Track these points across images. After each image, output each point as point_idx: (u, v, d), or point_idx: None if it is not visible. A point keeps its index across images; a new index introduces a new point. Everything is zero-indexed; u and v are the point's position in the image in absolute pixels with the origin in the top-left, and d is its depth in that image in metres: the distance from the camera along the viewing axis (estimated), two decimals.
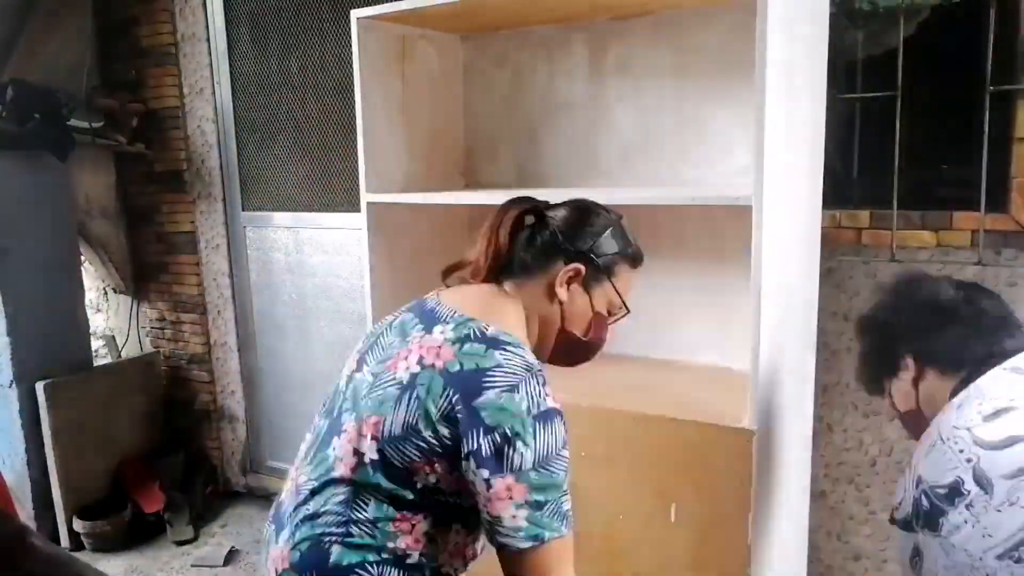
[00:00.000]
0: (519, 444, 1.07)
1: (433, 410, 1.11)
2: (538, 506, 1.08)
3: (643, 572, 1.80)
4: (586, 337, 1.30)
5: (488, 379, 1.10)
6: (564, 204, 1.35)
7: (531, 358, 1.16)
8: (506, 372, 1.11)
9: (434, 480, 1.14)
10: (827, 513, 2.31)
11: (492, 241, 1.28)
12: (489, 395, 1.09)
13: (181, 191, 3.46)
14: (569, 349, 1.31)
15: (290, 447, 3.42)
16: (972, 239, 2.02)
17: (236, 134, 3.35)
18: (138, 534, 3.19)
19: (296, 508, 1.21)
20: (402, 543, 1.15)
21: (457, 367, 1.12)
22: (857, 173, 2.26)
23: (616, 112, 2.16)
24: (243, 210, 3.39)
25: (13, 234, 3.03)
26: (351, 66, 2.07)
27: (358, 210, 2.13)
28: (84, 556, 3.08)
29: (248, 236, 3.40)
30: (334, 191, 3.13)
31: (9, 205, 3.02)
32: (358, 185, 2.11)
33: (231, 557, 3.04)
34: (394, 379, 1.16)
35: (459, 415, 1.10)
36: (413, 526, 1.16)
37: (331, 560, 1.14)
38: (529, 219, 1.31)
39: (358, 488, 1.16)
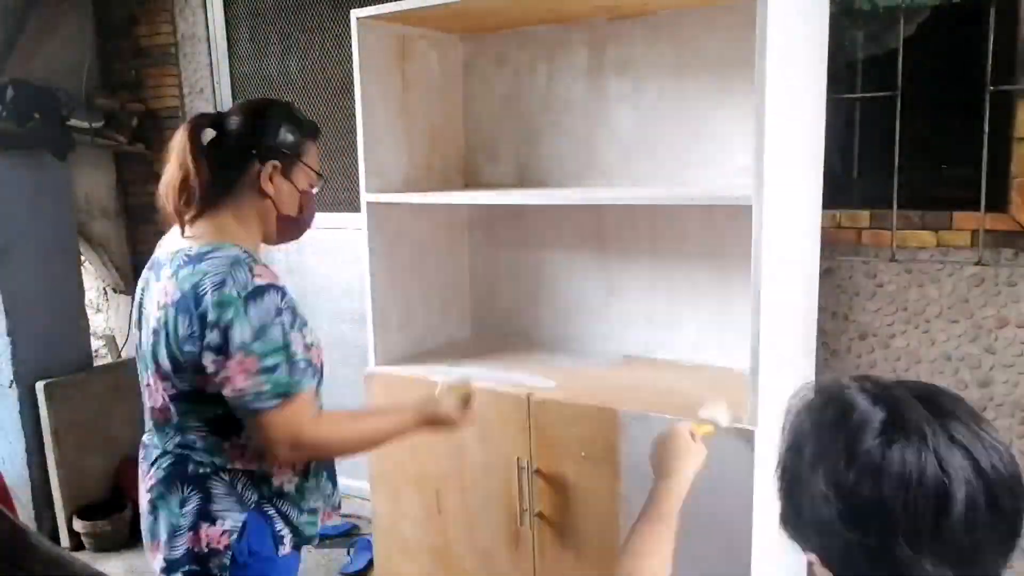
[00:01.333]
0: (235, 325, 1.27)
1: (180, 333, 1.31)
2: (272, 370, 1.29)
3: None
4: (301, 215, 1.50)
5: (201, 288, 1.29)
6: (235, 109, 1.49)
7: (234, 252, 1.34)
8: (213, 275, 1.30)
9: (214, 388, 1.32)
10: None
11: (194, 164, 1.37)
12: (206, 299, 1.28)
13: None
14: (290, 227, 1.50)
15: None
16: (972, 239, 2.02)
17: None
18: (138, 534, 3.17)
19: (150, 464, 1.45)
20: (235, 463, 1.39)
21: (178, 294, 1.32)
22: (857, 173, 2.26)
23: (616, 112, 2.16)
24: None
25: (13, 234, 3.03)
26: (351, 66, 2.07)
27: (358, 210, 2.13)
28: (84, 556, 3.08)
29: None
30: (334, 191, 3.13)
31: (9, 205, 3.02)
32: (358, 185, 2.11)
33: None
34: (152, 329, 1.36)
35: (195, 329, 1.29)
36: (243, 448, 1.38)
37: (189, 471, 1.39)
38: (208, 134, 1.42)
39: (185, 425, 1.38)
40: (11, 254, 3.03)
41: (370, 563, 2.70)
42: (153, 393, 1.41)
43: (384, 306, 2.19)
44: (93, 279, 3.79)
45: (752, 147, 1.54)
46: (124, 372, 3.44)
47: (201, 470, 1.39)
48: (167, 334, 1.32)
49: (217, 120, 1.45)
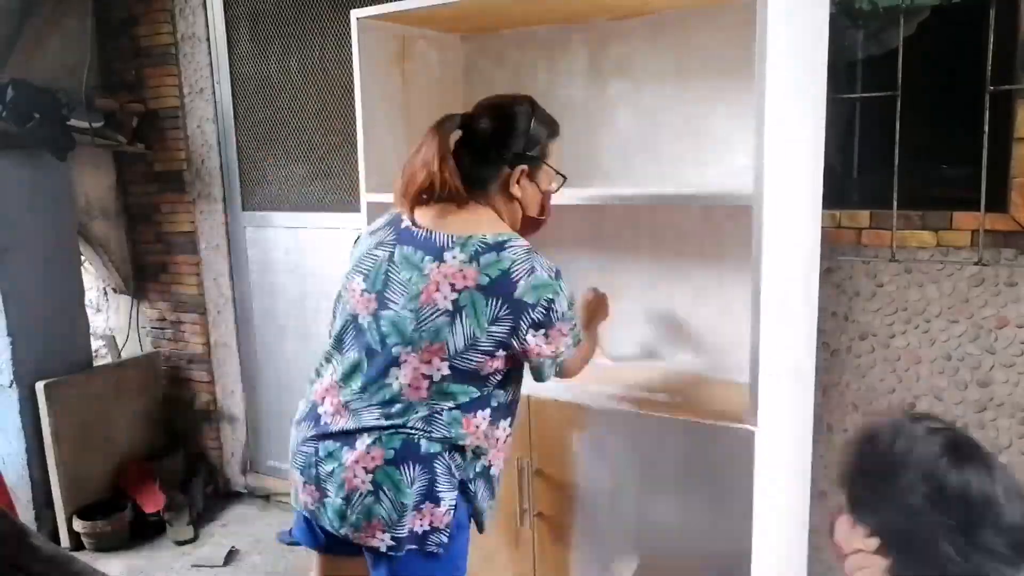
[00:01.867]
0: (556, 301, 1.43)
1: (484, 320, 1.40)
2: (575, 326, 1.51)
3: (644, 571, 1.80)
4: (543, 216, 1.60)
5: (513, 274, 1.41)
6: (483, 109, 1.55)
7: (524, 242, 1.46)
8: (521, 261, 1.42)
9: (493, 369, 1.45)
10: (827, 513, 2.31)
11: (447, 160, 1.46)
12: (521, 285, 1.41)
13: (181, 191, 3.46)
14: (534, 226, 1.61)
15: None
16: (972, 239, 2.02)
17: (236, 134, 3.35)
18: (138, 534, 3.19)
19: (362, 429, 1.45)
20: (468, 440, 1.46)
21: (486, 280, 1.41)
22: (857, 173, 2.26)
23: (616, 112, 2.16)
24: (243, 210, 3.39)
25: (13, 234, 3.03)
26: (351, 66, 2.07)
27: (358, 210, 2.13)
28: (84, 556, 3.08)
29: (248, 236, 3.40)
30: (334, 191, 3.13)
31: (9, 205, 3.02)
32: (358, 185, 2.11)
33: (231, 557, 3.04)
34: (438, 310, 1.42)
35: (507, 312, 1.40)
36: (476, 427, 1.47)
37: (421, 451, 1.43)
38: (457, 134, 1.52)
39: (433, 403, 1.44)
40: (11, 254, 3.03)
41: None
42: (403, 368, 1.44)
43: None
44: (93, 279, 3.79)
45: (752, 147, 1.54)
46: (124, 372, 3.45)
47: (432, 448, 1.44)
48: (470, 315, 1.40)
49: (465, 121, 1.53)
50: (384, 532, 1.43)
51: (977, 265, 2.02)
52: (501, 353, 1.43)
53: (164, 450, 3.52)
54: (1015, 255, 1.99)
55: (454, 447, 1.45)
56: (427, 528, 1.44)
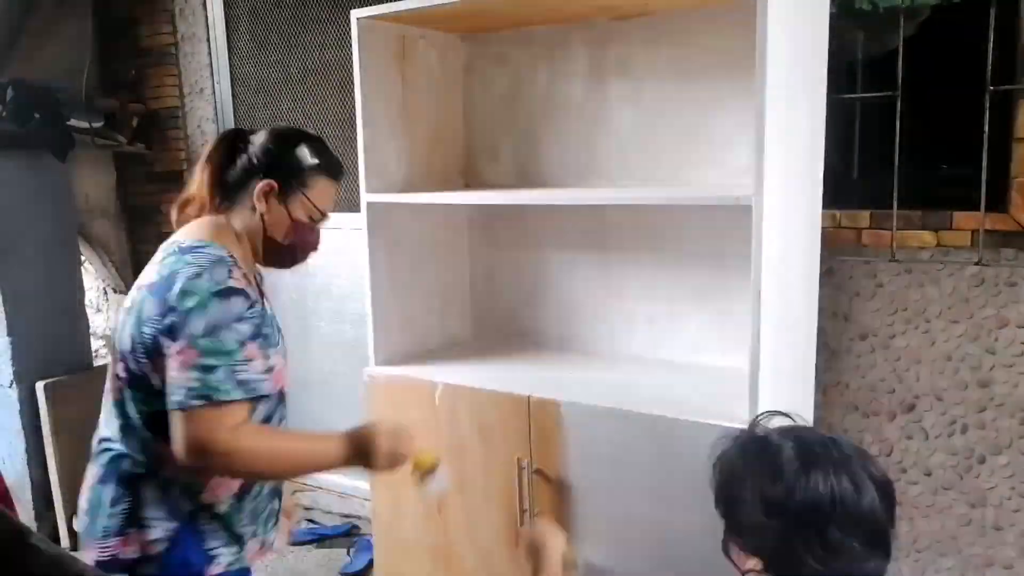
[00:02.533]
0: (193, 315, 1.27)
1: (143, 317, 1.32)
2: (209, 370, 1.27)
3: (645, 571, 1.80)
4: (287, 241, 1.50)
5: (179, 276, 1.31)
6: (266, 129, 1.53)
7: (221, 252, 1.36)
8: (194, 265, 1.32)
9: (159, 380, 1.31)
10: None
11: (208, 169, 1.48)
12: (176, 286, 1.30)
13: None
14: (276, 251, 1.51)
15: None
16: (972, 239, 2.02)
17: None
18: None
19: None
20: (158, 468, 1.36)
21: (156, 278, 1.34)
22: (857, 173, 2.26)
23: (616, 112, 2.16)
24: None
25: (13, 234, 3.03)
26: (351, 66, 2.07)
27: (358, 210, 2.13)
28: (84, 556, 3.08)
29: None
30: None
31: (9, 205, 3.02)
32: (358, 185, 2.11)
33: None
34: (125, 308, 1.39)
35: (160, 311, 1.30)
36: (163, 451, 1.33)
37: (121, 468, 1.41)
38: (239, 144, 1.49)
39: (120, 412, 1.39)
40: (11, 254, 3.03)
41: (370, 563, 2.70)
42: (111, 370, 1.42)
43: (384, 306, 2.19)
44: (93, 279, 3.79)
45: (752, 147, 1.54)
46: None
47: (136, 470, 1.38)
48: (136, 314, 1.34)
49: (245, 134, 1.51)
50: None
51: (977, 265, 2.02)
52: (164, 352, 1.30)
53: None
54: (1015, 255, 1.99)
55: (156, 473, 1.38)
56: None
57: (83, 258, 3.49)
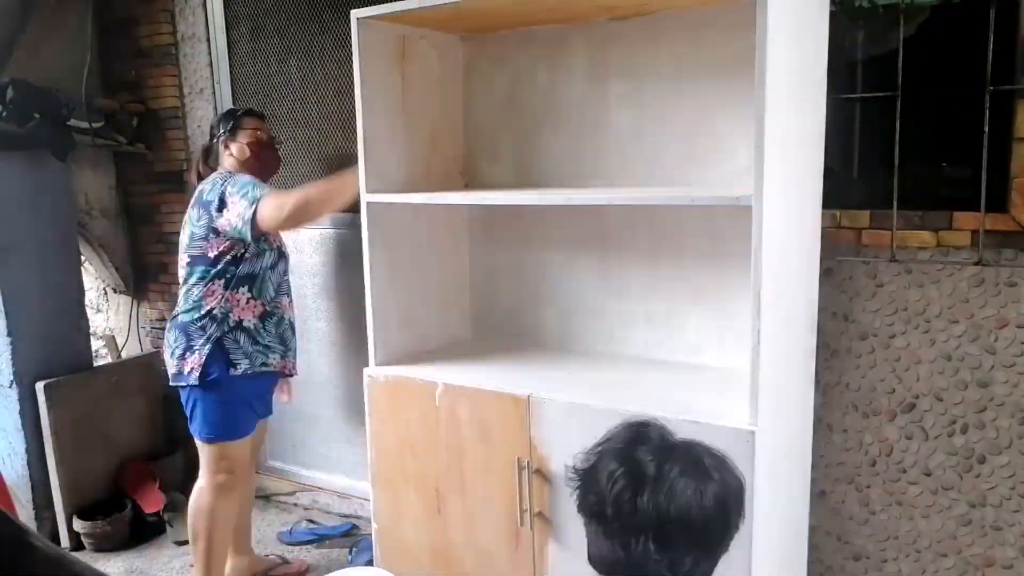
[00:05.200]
0: (229, 187, 2.36)
1: (193, 218, 2.45)
2: (251, 189, 2.33)
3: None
4: (255, 156, 2.56)
5: (212, 187, 2.41)
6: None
7: (223, 173, 2.48)
8: (219, 181, 2.41)
9: (218, 251, 2.40)
10: (827, 513, 2.31)
11: (202, 154, 2.70)
12: (206, 195, 2.41)
13: (181, 191, 3.46)
14: (254, 168, 2.54)
15: (290, 447, 3.42)
16: (972, 239, 2.02)
17: None
18: (138, 534, 3.19)
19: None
20: (207, 304, 2.41)
21: (194, 199, 2.49)
22: (857, 173, 2.26)
23: (616, 112, 2.16)
24: None
25: (13, 234, 3.03)
26: (351, 66, 2.07)
27: (358, 210, 2.13)
28: (84, 556, 3.08)
29: None
30: None
31: (9, 205, 3.02)
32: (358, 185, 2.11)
33: None
34: (184, 221, 2.53)
35: (202, 210, 2.41)
36: (214, 292, 2.41)
37: (178, 321, 2.47)
38: (212, 134, 2.64)
39: (184, 285, 2.47)
40: (11, 254, 3.03)
41: (370, 563, 2.70)
42: (181, 269, 2.49)
43: (384, 306, 2.19)
44: (93, 279, 3.79)
45: (752, 147, 1.54)
46: (124, 372, 3.45)
47: (185, 318, 2.43)
48: (191, 218, 2.45)
49: (210, 130, 2.69)
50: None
51: (977, 265, 2.02)
52: (212, 238, 2.38)
53: (164, 450, 3.52)
54: (1015, 255, 1.99)
55: (204, 314, 2.40)
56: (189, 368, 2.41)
57: (83, 258, 3.49)
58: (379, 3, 2.01)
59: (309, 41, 3.07)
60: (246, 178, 2.36)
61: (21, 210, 3.05)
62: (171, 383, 2.45)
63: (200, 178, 2.55)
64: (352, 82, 2.08)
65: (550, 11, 2.06)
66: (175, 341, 2.43)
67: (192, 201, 2.46)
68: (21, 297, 3.06)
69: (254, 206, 2.25)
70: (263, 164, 2.56)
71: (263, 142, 2.56)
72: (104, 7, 3.46)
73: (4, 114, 2.95)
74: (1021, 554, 2.08)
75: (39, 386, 3.06)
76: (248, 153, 2.52)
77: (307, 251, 3.22)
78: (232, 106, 2.70)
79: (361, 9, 2.03)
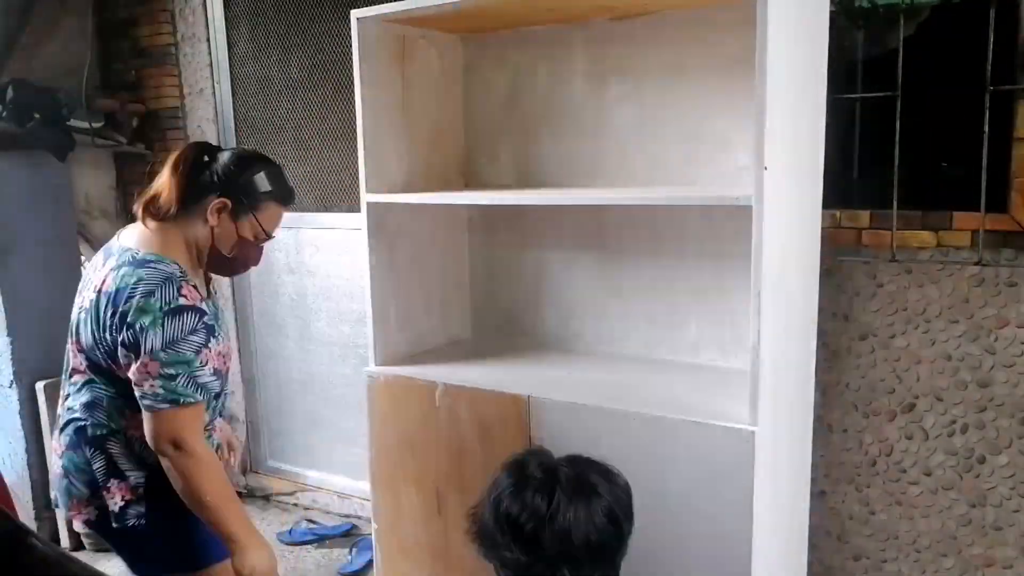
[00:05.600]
0: (149, 332, 1.47)
1: (103, 322, 1.52)
2: (171, 378, 1.49)
3: (643, 571, 1.79)
4: (231, 255, 1.67)
5: (132, 291, 1.49)
6: (231, 149, 1.68)
7: (171, 269, 1.54)
8: (146, 283, 1.50)
9: (123, 376, 1.54)
10: (827, 513, 2.31)
11: (175, 177, 1.59)
12: (131, 303, 1.48)
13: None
14: (220, 261, 1.68)
15: (290, 447, 3.43)
16: (972, 239, 2.02)
17: (236, 134, 3.35)
18: None
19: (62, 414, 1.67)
20: (113, 423, 1.61)
21: (113, 288, 1.52)
22: (857, 173, 2.25)
23: (616, 112, 2.16)
24: None
25: (13, 234, 3.03)
26: (351, 66, 2.07)
27: (358, 210, 2.13)
28: (84, 556, 3.08)
29: None
30: (334, 191, 3.13)
31: (9, 205, 3.02)
32: (358, 185, 2.11)
33: None
34: (84, 307, 1.58)
35: (115, 323, 1.50)
36: (123, 412, 1.60)
37: (87, 435, 1.62)
38: (205, 158, 1.62)
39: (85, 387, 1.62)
40: (11, 254, 3.03)
41: (370, 563, 2.70)
42: (74, 356, 1.63)
43: (384, 306, 2.19)
44: None
45: (752, 147, 1.54)
46: None
47: (103, 432, 1.61)
48: (94, 317, 1.54)
49: (213, 151, 1.65)
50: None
51: (977, 265, 2.02)
52: (120, 363, 1.53)
53: None
54: (1015, 255, 1.99)
55: (120, 433, 1.62)
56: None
57: (83, 258, 3.49)
58: (379, 3, 2.01)
59: (309, 41, 3.07)
60: (188, 321, 1.51)
61: (21, 210, 3.05)
62: (99, 530, 1.66)
63: (137, 219, 1.62)
64: (352, 82, 2.08)
65: (550, 11, 2.06)
66: (87, 464, 1.62)
67: (101, 271, 1.57)
68: (21, 297, 3.06)
69: (166, 407, 1.50)
70: (235, 265, 1.72)
71: (260, 245, 1.72)
72: (104, 7, 3.46)
73: (4, 114, 2.95)
74: (1021, 554, 2.08)
75: (39, 386, 3.06)
76: (237, 248, 1.66)
77: (307, 251, 3.22)
78: (270, 161, 1.68)
79: (361, 9, 2.03)
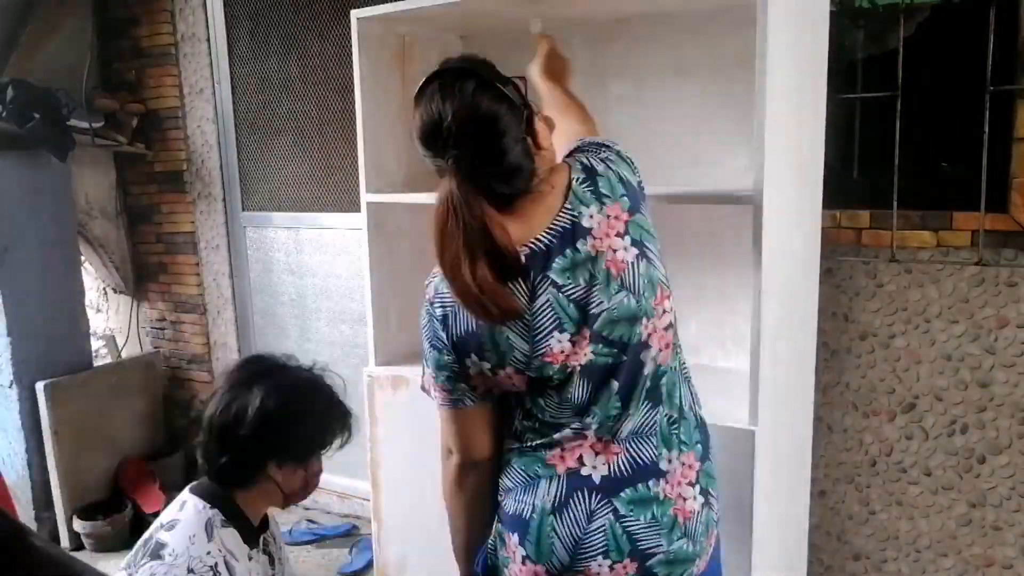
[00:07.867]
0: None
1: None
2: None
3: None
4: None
5: None
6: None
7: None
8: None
9: None
10: (827, 513, 2.31)
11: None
12: None
13: (181, 191, 3.46)
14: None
15: None
16: (972, 239, 2.02)
17: (236, 134, 3.35)
18: (138, 534, 3.16)
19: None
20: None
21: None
22: (857, 173, 2.25)
23: (616, 112, 2.16)
24: (243, 210, 3.39)
25: (13, 234, 3.03)
26: (351, 66, 2.06)
27: (358, 210, 2.13)
28: (84, 556, 3.08)
29: (248, 236, 3.40)
30: (334, 191, 3.13)
31: (9, 205, 3.02)
32: (358, 185, 2.11)
33: None
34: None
35: None
36: None
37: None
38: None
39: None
40: (11, 254, 3.03)
41: (370, 563, 2.70)
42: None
43: (384, 306, 2.19)
44: (93, 279, 3.79)
45: (752, 147, 1.54)
46: (124, 372, 3.45)
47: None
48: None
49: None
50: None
51: (977, 265, 2.02)
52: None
53: (164, 450, 3.51)
54: (1015, 255, 1.99)
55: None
56: None
57: (83, 258, 3.49)
58: (379, 3, 2.01)
59: (309, 41, 3.07)
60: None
61: (21, 210, 3.05)
62: None
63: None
64: (352, 82, 2.08)
65: (550, 11, 2.05)
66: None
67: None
68: (21, 297, 3.06)
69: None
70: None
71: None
72: (104, 7, 3.46)
73: (4, 114, 2.95)
74: (1021, 554, 2.08)
75: (39, 386, 3.06)
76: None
77: (307, 251, 3.22)
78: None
79: (361, 9, 2.03)
